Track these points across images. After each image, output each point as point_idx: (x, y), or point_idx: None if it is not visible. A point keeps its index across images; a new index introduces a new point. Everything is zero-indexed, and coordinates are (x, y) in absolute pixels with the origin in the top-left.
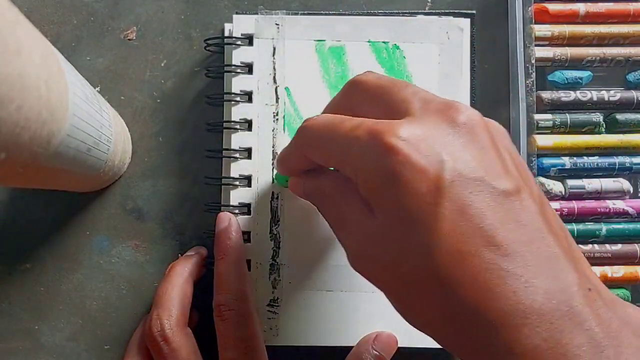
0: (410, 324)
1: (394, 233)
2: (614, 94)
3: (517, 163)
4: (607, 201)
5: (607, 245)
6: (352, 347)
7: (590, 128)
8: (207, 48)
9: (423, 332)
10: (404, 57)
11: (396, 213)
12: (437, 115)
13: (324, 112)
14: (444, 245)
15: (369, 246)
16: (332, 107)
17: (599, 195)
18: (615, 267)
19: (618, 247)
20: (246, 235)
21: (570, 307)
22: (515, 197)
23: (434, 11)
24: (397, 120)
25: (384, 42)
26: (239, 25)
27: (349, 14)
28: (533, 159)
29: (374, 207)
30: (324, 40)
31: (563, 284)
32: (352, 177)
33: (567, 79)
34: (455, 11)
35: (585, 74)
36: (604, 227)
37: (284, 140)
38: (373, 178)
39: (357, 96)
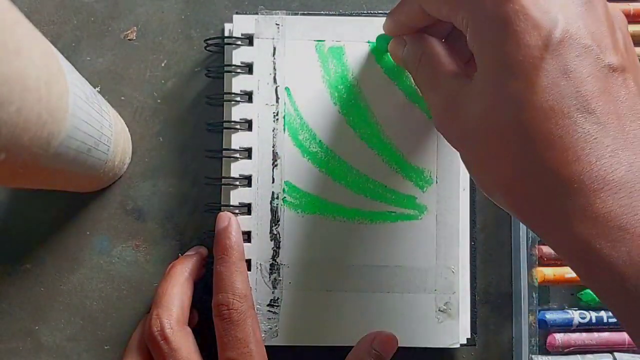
0: (480, 184)
1: (492, 83)
2: None
3: (627, 46)
4: None
5: None
6: (352, 347)
7: None
8: (207, 48)
9: (491, 194)
10: None
11: (499, 61)
12: None
13: None
14: (538, 99)
15: (460, 102)
16: None
17: None
18: None
19: None
20: (246, 235)
21: None
22: (619, 74)
23: None
24: None
25: None
26: (239, 25)
27: (349, 14)
28: None
29: (478, 56)
30: (324, 41)
31: None
32: (463, 28)
33: None
34: None
35: None
36: None
37: (284, 140)
38: (485, 24)
39: None
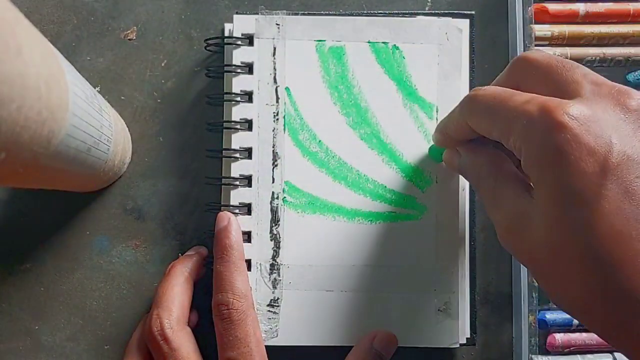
0: (554, 301)
1: (555, 210)
2: None
3: None
4: None
5: None
6: (352, 347)
7: None
8: (207, 48)
9: (565, 309)
10: (404, 57)
11: (558, 190)
12: (609, 98)
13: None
14: (605, 225)
15: (524, 223)
16: (499, 82)
17: None
18: None
19: None
20: (246, 235)
21: None
22: None
23: (433, 11)
24: (569, 100)
25: (383, 42)
26: (239, 25)
27: (349, 14)
28: None
29: (535, 183)
30: (324, 41)
31: None
32: (515, 150)
33: None
34: (455, 12)
35: None
36: None
37: (284, 140)
38: (538, 153)
39: (524, 73)
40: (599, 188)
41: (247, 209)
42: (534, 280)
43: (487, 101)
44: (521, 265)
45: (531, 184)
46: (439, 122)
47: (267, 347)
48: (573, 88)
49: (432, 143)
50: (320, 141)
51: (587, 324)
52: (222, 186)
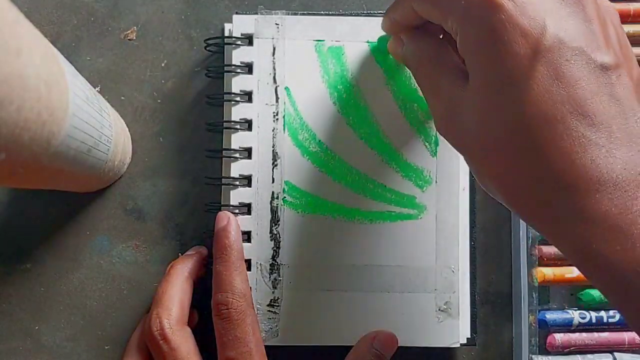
0: (485, 187)
1: (485, 93)
2: None
3: (621, 40)
4: None
5: None
6: (352, 347)
7: None
8: (207, 48)
9: (496, 196)
10: None
11: (491, 72)
12: None
13: None
14: (532, 108)
15: (458, 110)
16: None
17: None
18: None
19: None
20: (246, 235)
21: None
22: (612, 72)
23: None
24: None
25: None
26: (239, 25)
27: (348, 14)
28: None
29: (469, 65)
30: (324, 40)
31: None
32: (453, 33)
33: None
34: None
35: None
36: None
37: (284, 140)
38: (474, 34)
39: None
40: (529, 70)
41: (247, 208)
42: (534, 280)
43: None
44: (521, 265)
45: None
46: (387, 8)
47: (267, 347)
48: None
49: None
50: (320, 141)
51: (515, 208)
52: (222, 186)
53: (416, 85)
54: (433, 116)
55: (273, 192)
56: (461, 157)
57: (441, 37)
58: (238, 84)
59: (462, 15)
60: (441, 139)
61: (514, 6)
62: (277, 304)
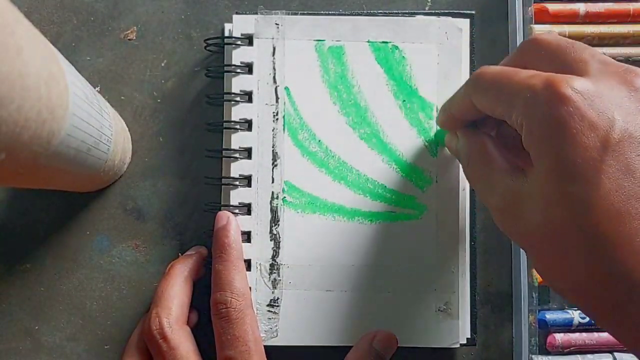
0: (549, 283)
1: (552, 185)
2: None
3: None
4: None
5: None
6: (352, 347)
7: None
8: (207, 48)
9: (560, 292)
10: (404, 57)
11: (557, 165)
12: (615, 76)
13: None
14: (603, 202)
15: (517, 202)
16: (507, 62)
17: None
18: None
19: None
20: (246, 235)
21: None
22: None
23: (433, 11)
24: (575, 76)
25: (383, 42)
26: (238, 25)
27: (348, 14)
28: None
29: (534, 158)
30: (324, 40)
31: None
32: (517, 126)
33: None
34: (455, 11)
35: None
36: None
37: (284, 140)
38: (539, 127)
39: (533, 54)
40: (599, 164)
41: (246, 209)
42: (534, 280)
43: (493, 77)
44: (521, 265)
45: (522, 166)
46: (443, 103)
47: (267, 347)
48: (580, 67)
49: (436, 129)
50: (319, 141)
51: (582, 307)
52: (222, 186)
53: (417, 85)
54: (492, 213)
55: (273, 192)
56: None
57: (493, 134)
58: (238, 84)
59: (526, 108)
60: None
61: (582, 99)
62: (276, 304)
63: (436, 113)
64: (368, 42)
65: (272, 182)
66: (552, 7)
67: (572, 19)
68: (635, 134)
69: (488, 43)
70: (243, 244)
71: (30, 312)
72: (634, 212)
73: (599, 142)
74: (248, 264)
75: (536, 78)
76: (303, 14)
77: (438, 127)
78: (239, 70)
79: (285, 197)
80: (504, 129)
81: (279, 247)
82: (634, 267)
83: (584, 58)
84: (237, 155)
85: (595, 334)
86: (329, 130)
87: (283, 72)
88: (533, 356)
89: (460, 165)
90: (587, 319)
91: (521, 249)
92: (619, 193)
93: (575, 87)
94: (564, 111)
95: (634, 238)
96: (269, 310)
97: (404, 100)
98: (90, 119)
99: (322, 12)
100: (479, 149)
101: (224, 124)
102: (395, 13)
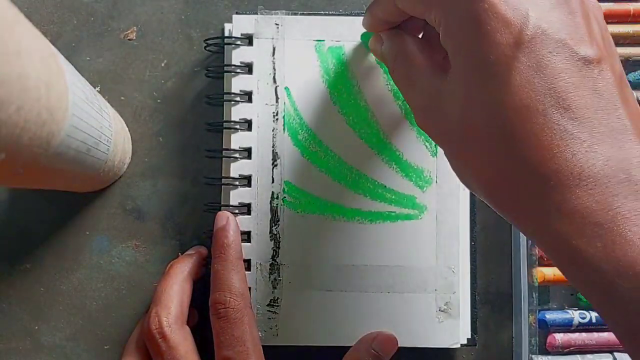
0: (463, 181)
1: (467, 83)
2: None
3: (604, 35)
4: None
5: None
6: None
7: None
8: (207, 48)
9: (474, 190)
10: None
11: (472, 61)
12: None
13: None
14: (513, 99)
15: (437, 101)
16: None
17: None
18: None
19: None
20: (246, 235)
21: (629, 175)
22: (595, 66)
23: None
24: None
25: None
26: (238, 25)
27: (348, 14)
28: None
29: (451, 55)
30: (324, 40)
31: (626, 154)
32: (436, 25)
33: None
34: None
35: None
36: None
37: (284, 140)
38: (457, 23)
39: None
40: (511, 60)
41: (246, 209)
42: (534, 280)
43: None
44: (521, 265)
45: (443, 65)
46: (369, 5)
47: (266, 347)
48: None
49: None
50: (319, 141)
51: (496, 204)
52: (222, 186)
53: None
54: (413, 111)
55: (273, 192)
56: None
57: (420, 36)
58: (238, 84)
59: (446, 5)
60: None
61: None
62: (276, 304)
63: None
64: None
65: (272, 182)
66: None
67: None
68: (548, 31)
69: None
70: (243, 243)
71: (30, 312)
72: (540, 108)
73: (512, 38)
74: (248, 264)
75: None
76: (303, 14)
77: (363, 30)
78: (238, 70)
79: (285, 197)
80: (429, 29)
81: (278, 247)
82: (537, 162)
83: None
84: (237, 155)
85: (595, 334)
86: (329, 131)
87: (283, 72)
88: (533, 356)
89: None
90: (587, 319)
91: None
92: (528, 89)
93: None
94: (480, 7)
95: (539, 133)
96: (268, 310)
97: (404, 101)
98: (90, 120)
99: (322, 12)
100: (402, 49)
101: (224, 124)
102: None
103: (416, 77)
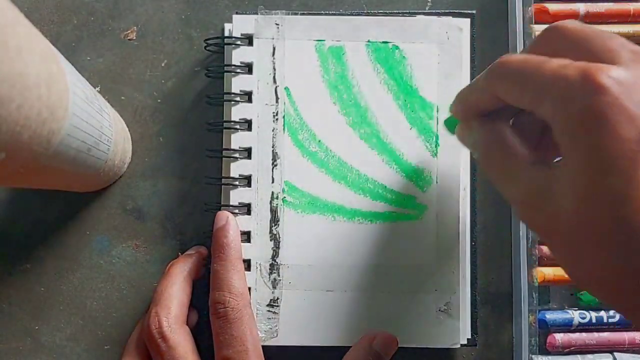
0: (575, 278)
1: (586, 177)
2: None
3: None
4: None
5: None
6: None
7: None
8: (207, 48)
9: (587, 287)
10: (404, 57)
11: (592, 157)
12: None
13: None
14: (638, 194)
15: (544, 194)
16: (528, 51)
17: None
18: None
19: None
20: (246, 235)
21: None
22: None
23: (434, 11)
24: (611, 65)
25: (383, 42)
26: (238, 25)
27: (349, 14)
28: None
29: (566, 151)
30: (324, 40)
31: None
32: (547, 118)
33: None
34: (455, 11)
35: None
36: None
37: (284, 140)
38: (574, 118)
39: (557, 42)
40: (637, 155)
41: (246, 209)
42: (534, 280)
43: (519, 66)
44: (521, 265)
45: (545, 157)
46: (458, 92)
47: (266, 347)
48: (610, 56)
49: (447, 116)
50: (320, 141)
51: (613, 304)
52: (222, 186)
53: (417, 85)
54: (513, 205)
55: (273, 192)
56: (462, 157)
57: (511, 123)
58: (238, 84)
59: (560, 99)
60: (441, 138)
61: (620, 88)
62: (276, 304)
63: (436, 113)
64: (368, 42)
65: (272, 182)
66: (552, 7)
67: (572, 19)
68: None
69: (488, 43)
70: (243, 243)
71: (30, 312)
72: None
73: (637, 134)
74: (248, 264)
75: (570, 67)
76: (303, 14)
77: (448, 115)
78: (238, 70)
79: (285, 197)
80: (521, 118)
81: (278, 247)
82: None
83: (613, 47)
84: (237, 155)
85: (596, 334)
86: (329, 130)
87: (283, 72)
88: (533, 356)
89: (461, 165)
90: (587, 319)
91: (526, 248)
92: None
93: (613, 76)
94: (602, 102)
95: None
96: (268, 310)
97: (405, 100)
98: (90, 119)
99: (322, 12)
100: (498, 139)
101: (224, 124)
102: (396, 13)
103: (516, 169)
